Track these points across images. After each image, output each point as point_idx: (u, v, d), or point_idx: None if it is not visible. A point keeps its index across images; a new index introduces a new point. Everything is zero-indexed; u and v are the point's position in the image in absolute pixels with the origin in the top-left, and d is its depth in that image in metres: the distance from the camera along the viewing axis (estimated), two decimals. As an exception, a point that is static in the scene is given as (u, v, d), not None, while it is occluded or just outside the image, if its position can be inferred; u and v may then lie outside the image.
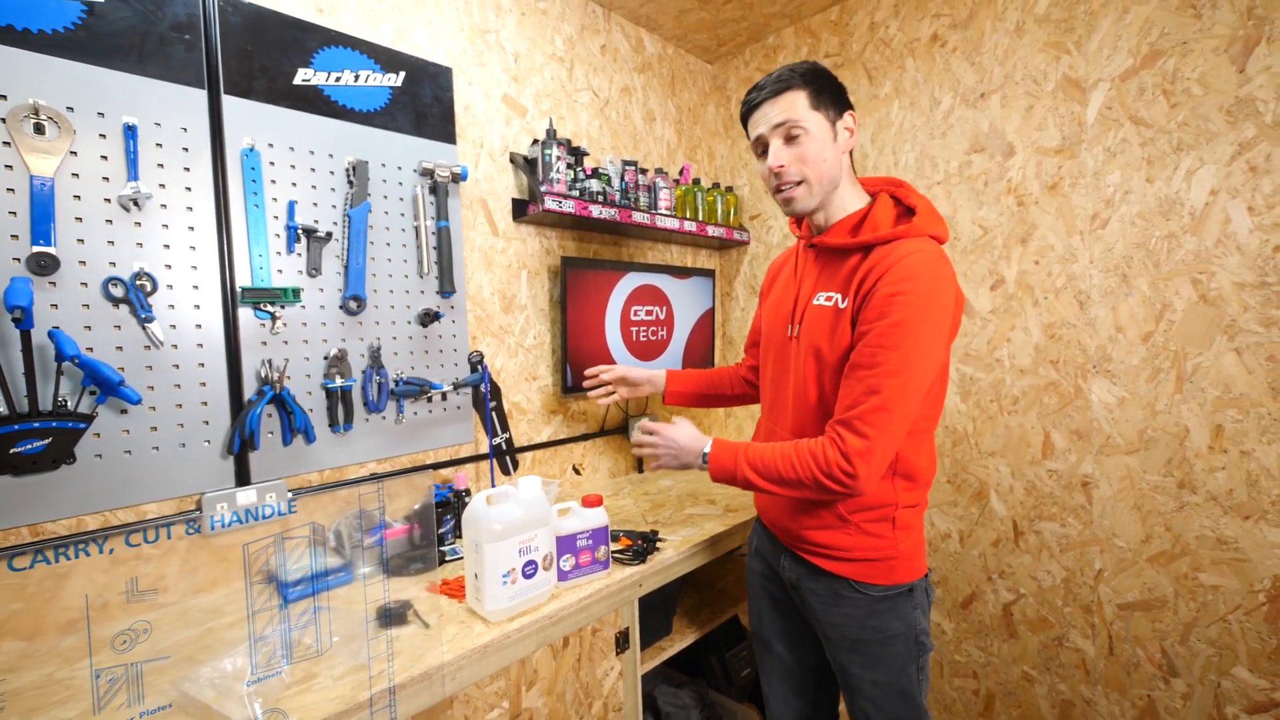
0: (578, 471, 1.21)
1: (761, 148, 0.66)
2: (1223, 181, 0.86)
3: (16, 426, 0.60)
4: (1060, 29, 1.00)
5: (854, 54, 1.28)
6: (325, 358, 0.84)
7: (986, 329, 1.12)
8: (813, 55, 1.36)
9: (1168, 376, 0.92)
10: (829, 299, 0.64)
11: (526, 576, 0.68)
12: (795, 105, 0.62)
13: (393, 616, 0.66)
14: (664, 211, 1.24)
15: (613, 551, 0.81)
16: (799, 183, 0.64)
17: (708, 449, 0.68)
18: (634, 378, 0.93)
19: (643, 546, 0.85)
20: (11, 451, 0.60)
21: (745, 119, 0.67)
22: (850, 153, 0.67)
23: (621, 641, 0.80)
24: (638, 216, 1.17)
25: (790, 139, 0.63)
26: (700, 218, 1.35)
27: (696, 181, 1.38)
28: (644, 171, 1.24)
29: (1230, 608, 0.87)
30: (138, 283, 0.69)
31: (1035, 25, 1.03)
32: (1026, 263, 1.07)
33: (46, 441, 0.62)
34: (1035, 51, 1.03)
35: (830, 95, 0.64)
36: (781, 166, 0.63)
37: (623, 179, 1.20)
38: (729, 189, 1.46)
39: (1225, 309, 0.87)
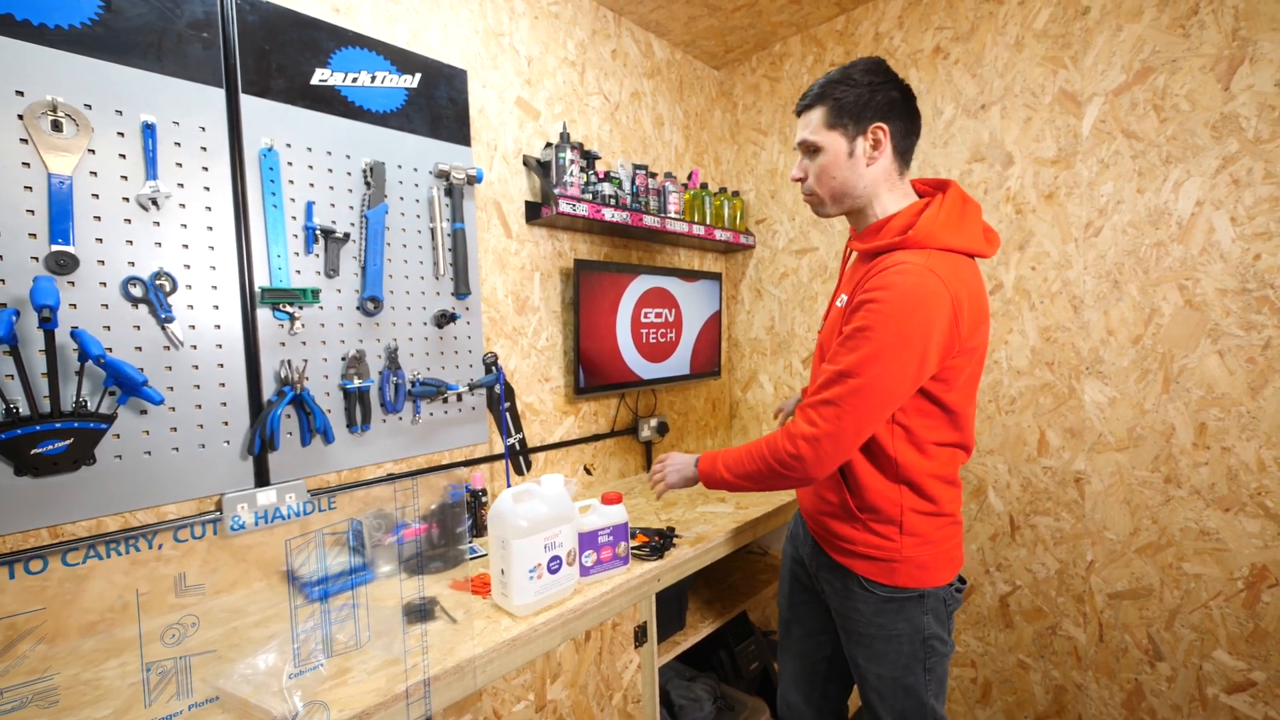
0: (589, 471, 1.23)
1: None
2: (1208, 193, 0.91)
3: (38, 427, 0.60)
4: (1058, 44, 1.05)
5: (858, 62, 1.32)
6: (343, 358, 0.85)
7: (985, 331, 1.16)
8: (818, 64, 1.39)
9: (1155, 377, 0.97)
10: (843, 301, 0.68)
11: (551, 572, 0.69)
12: (814, 123, 0.66)
13: (420, 613, 0.67)
14: (673, 215, 1.25)
15: (631, 548, 0.83)
16: (812, 195, 0.70)
17: (697, 457, 0.76)
18: None
19: (660, 543, 0.87)
20: (33, 452, 0.60)
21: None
22: (903, 156, 0.66)
23: (640, 635, 0.82)
24: (648, 220, 1.18)
25: (810, 154, 0.68)
26: (708, 221, 1.38)
27: (704, 186, 1.40)
28: (654, 175, 1.26)
29: (1211, 595, 0.92)
30: (157, 282, 0.69)
31: (1034, 40, 1.07)
32: (1024, 268, 1.11)
33: (68, 442, 0.62)
34: (1034, 65, 1.07)
35: (853, 110, 0.64)
36: (799, 178, 0.70)
37: (633, 182, 1.21)
38: (735, 194, 1.48)
39: (1209, 314, 0.92)
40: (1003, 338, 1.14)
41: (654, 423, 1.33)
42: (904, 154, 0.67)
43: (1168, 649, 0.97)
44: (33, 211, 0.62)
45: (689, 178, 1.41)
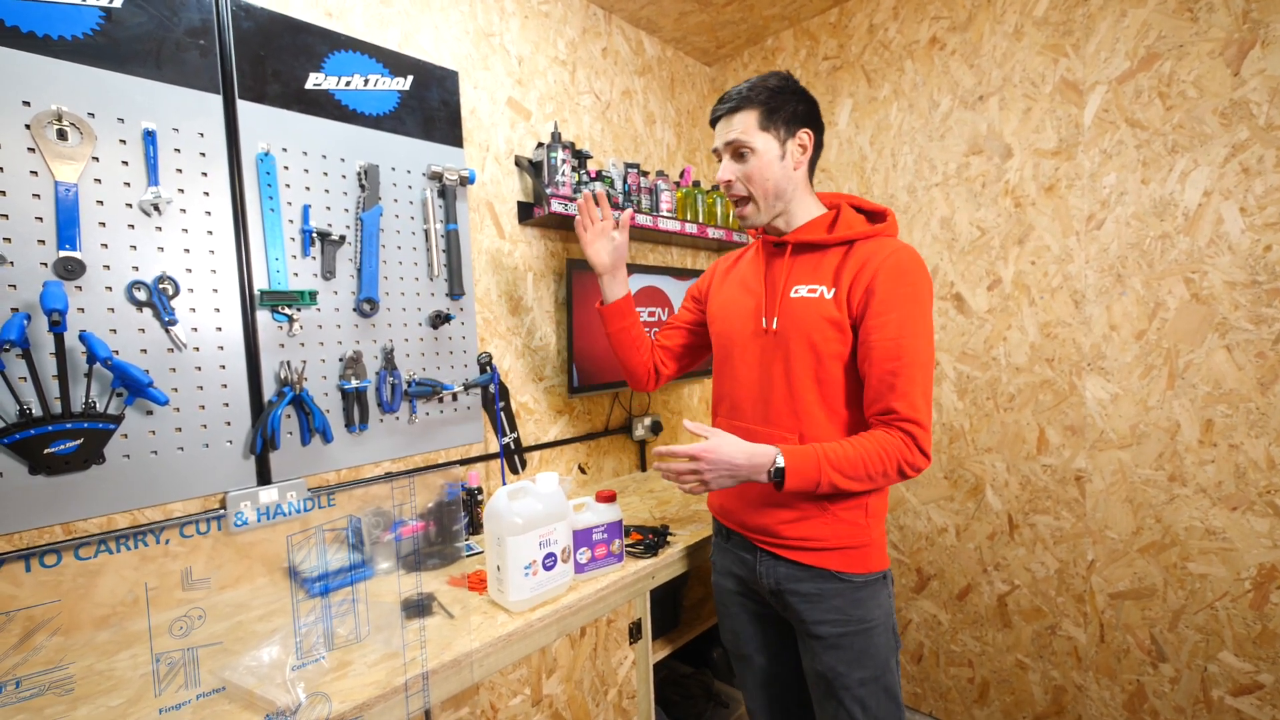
0: (583, 470, 1.24)
1: (719, 157, 0.71)
2: (1216, 183, 0.88)
3: (50, 428, 0.62)
4: (1058, 32, 1.02)
5: (853, 56, 1.30)
6: (340, 359, 0.86)
7: (983, 328, 1.15)
8: (811, 58, 1.37)
9: (1160, 373, 0.95)
10: (812, 290, 0.67)
11: (546, 568, 0.70)
12: (746, 125, 0.66)
13: (418, 608, 0.69)
14: (666, 214, 1.25)
15: (625, 545, 0.84)
16: (747, 199, 0.69)
17: (780, 462, 0.60)
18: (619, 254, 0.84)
19: (654, 540, 0.88)
20: (46, 452, 0.62)
21: (713, 126, 0.72)
22: (810, 167, 0.71)
23: (635, 632, 0.83)
24: (641, 219, 1.18)
25: (738, 156, 0.68)
26: (700, 220, 1.37)
27: (696, 184, 1.39)
28: (645, 174, 1.25)
29: (1217, 595, 0.91)
30: (160, 286, 0.71)
31: (1034, 28, 1.05)
32: (1023, 263, 1.09)
33: (78, 442, 0.64)
34: (1033, 54, 1.05)
35: (785, 114, 0.67)
36: (728, 181, 0.68)
37: (625, 181, 1.21)
38: (732, 189, 1.48)
39: (1217, 307, 0.89)
40: (1001, 334, 1.12)
41: (647, 421, 1.33)
42: (814, 164, 0.71)
43: (1171, 650, 0.95)
44: (41, 219, 0.64)
45: (681, 176, 1.40)
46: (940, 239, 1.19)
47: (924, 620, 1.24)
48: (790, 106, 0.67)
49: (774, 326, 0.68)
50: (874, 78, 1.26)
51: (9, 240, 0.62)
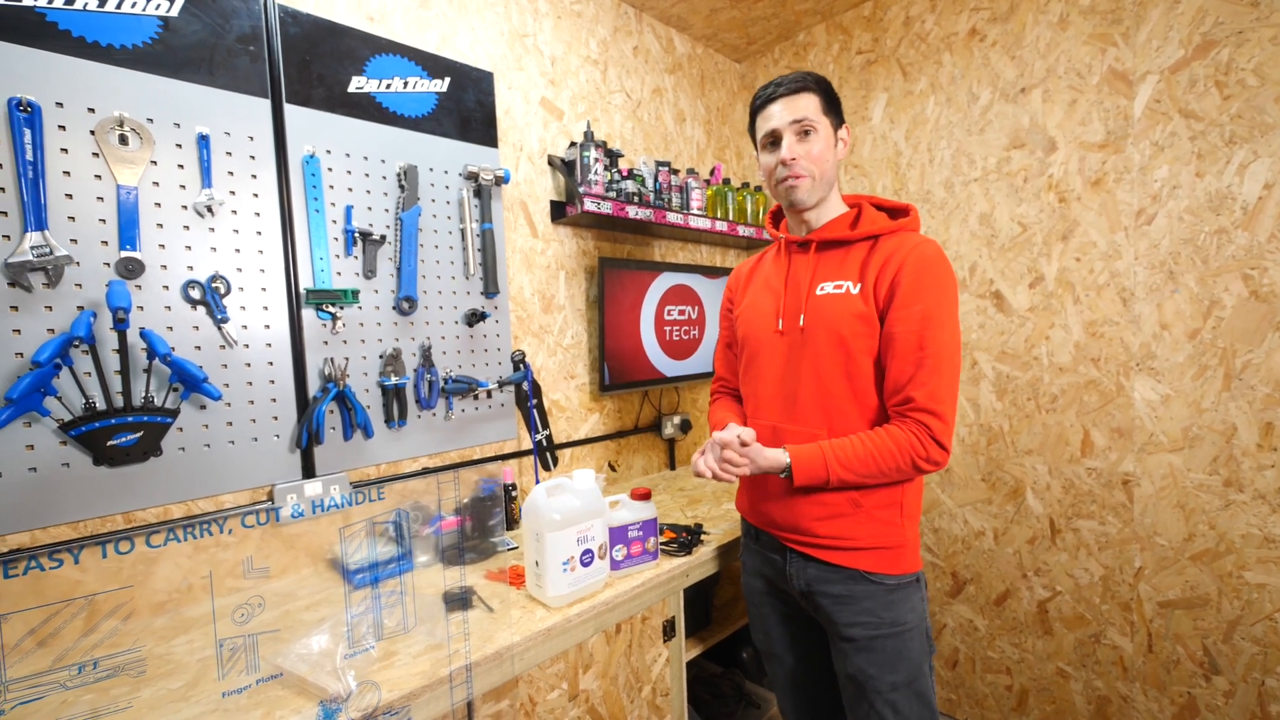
0: (613, 468, 1.24)
1: (772, 140, 0.69)
2: (1278, 175, 0.85)
3: (113, 420, 0.65)
4: (1107, 20, 0.99)
5: (888, 50, 1.27)
6: (380, 356, 0.88)
7: (1024, 327, 1.11)
8: (845, 52, 1.35)
9: (1215, 374, 0.91)
10: (838, 286, 0.66)
11: (584, 565, 0.71)
12: (811, 106, 0.67)
13: (459, 601, 0.70)
14: (696, 212, 1.25)
15: (660, 543, 0.84)
16: (804, 176, 0.68)
17: (787, 460, 0.63)
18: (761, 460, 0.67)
19: (688, 539, 0.87)
20: (109, 444, 0.65)
21: (757, 112, 0.70)
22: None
23: (668, 630, 0.83)
24: (671, 217, 1.18)
25: (804, 135, 0.67)
26: (730, 217, 1.36)
27: (726, 181, 1.39)
28: (676, 172, 1.26)
29: (1277, 606, 0.87)
30: (213, 285, 0.73)
31: (1080, 17, 1.02)
32: (1067, 260, 1.06)
33: (139, 435, 0.66)
34: (1080, 44, 1.02)
35: (836, 107, 0.70)
36: (795, 159, 0.67)
37: (656, 179, 1.21)
38: (758, 189, 1.46)
39: (1278, 305, 0.85)
40: (1043, 333, 1.09)
41: (677, 420, 1.33)
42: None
43: (1225, 662, 0.91)
44: (104, 220, 0.67)
45: (711, 173, 1.39)
46: (979, 235, 1.16)
47: (959, 625, 1.22)
48: (838, 101, 0.70)
49: (801, 324, 0.68)
50: (910, 71, 1.24)
51: (75, 241, 0.65)
